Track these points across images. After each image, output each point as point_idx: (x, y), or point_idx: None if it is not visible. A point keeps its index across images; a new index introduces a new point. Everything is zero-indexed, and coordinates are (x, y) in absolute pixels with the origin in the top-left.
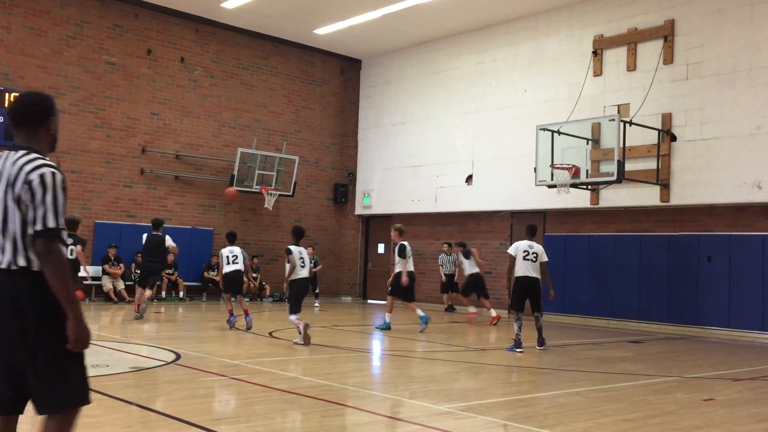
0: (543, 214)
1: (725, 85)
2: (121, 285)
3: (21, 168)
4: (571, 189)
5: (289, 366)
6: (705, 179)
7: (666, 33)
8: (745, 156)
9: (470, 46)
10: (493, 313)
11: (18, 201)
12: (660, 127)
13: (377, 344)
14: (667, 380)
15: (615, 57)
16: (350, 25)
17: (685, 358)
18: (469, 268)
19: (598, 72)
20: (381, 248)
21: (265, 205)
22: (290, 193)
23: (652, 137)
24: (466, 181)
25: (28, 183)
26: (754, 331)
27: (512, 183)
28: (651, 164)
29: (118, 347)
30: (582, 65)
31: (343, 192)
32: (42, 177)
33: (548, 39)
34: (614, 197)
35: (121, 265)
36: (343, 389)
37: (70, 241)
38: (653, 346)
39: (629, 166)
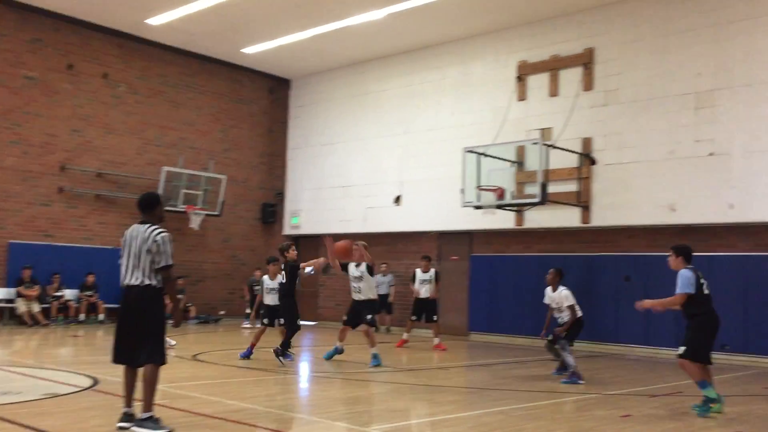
0: (470, 235)
1: (641, 111)
2: (36, 308)
3: (151, 233)
4: (497, 210)
5: (213, 389)
6: (623, 202)
7: (586, 60)
8: (659, 180)
9: (399, 68)
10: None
11: (149, 250)
12: (581, 151)
13: (305, 366)
14: (587, 397)
15: (538, 82)
16: (279, 44)
17: (605, 376)
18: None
19: (522, 96)
20: (308, 269)
21: (191, 225)
22: (217, 213)
23: (573, 160)
24: (394, 202)
25: (155, 241)
26: (670, 348)
27: (440, 204)
28: (572, 187)
29: (32, 373)
30: (507, 90)
31: (272, 212)
32: (162, 238)
33: (474, 63)
34: (538, 218)
35: (37, 287)
36: (269, 412)
37: None
38: None
39: (552, 189)
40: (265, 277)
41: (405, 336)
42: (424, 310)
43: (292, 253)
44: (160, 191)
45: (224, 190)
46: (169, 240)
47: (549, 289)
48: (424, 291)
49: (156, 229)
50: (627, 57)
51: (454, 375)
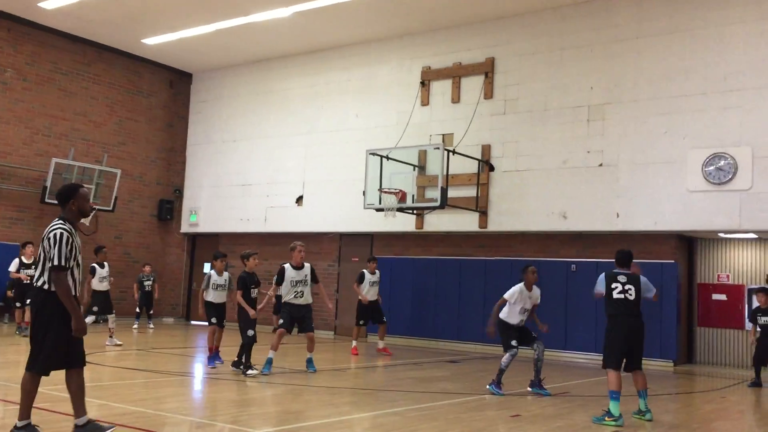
0: (371, 237)
1: (537, 121)
2: None
3: (49, 229)
4: (398, 213)
5: (100, 392)
6: (518, 208)
7: (487, 70)
8: (553, 188)
9: (304, 67)
10: None
11: (44, 248)
12: (480, 157)
13: (199, 367)
14: (479, 398)
15: (441, 88)
16: (181, 37)
17: None
18: None
19: (425, 102)
20: (207, 267)
21: (81, 220)
22: (110, 208)
23: (473, 166)
24: (296, 202)
25: (48, 238)
26: (557, 350)
27: (342, 205)
28: (471, 192)
29: None
30: (411, 94)
31: (169, 209)
32: (54, 235)
33: (380, 67)
34: (437, 222)
35: None
36: (158, 415)
37: None
38: (469, 365)
39: (452, 193)
40: (213, 272)
41: (355, 344)
42: (373, 314)
43: (251, 263)
44: (48, 183)
45: (118, 184)
46: (63, 238)
47: (522, 287)
48: (372, 293)
49: (55, 224)
50: (526, 68)
51: (351, 376)
